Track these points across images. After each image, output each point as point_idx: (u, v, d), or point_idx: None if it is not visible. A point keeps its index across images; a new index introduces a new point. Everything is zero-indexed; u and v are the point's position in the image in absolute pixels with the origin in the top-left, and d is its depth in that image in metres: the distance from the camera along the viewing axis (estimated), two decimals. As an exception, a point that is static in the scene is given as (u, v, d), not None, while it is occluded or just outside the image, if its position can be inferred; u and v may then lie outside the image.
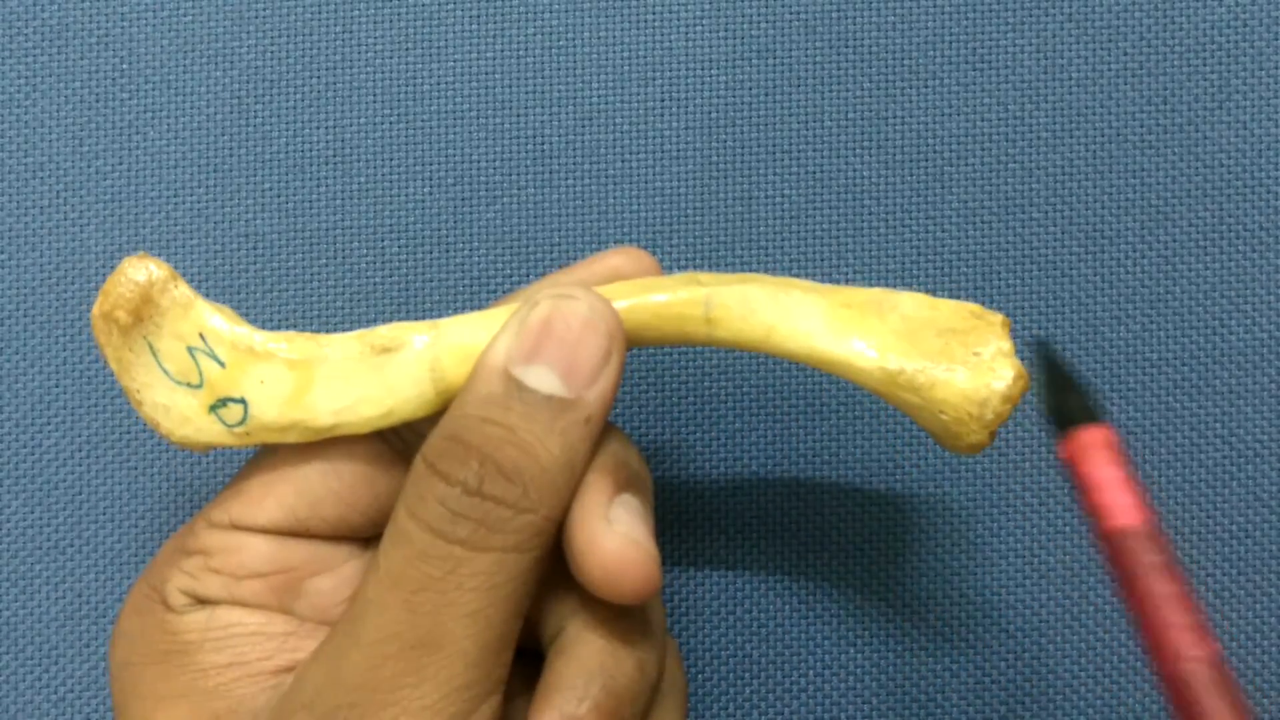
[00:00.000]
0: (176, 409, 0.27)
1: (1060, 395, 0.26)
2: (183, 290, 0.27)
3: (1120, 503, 0.25)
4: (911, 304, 0.27)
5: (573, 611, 0.27)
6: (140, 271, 0.27)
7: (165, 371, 0.27)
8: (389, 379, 0.27)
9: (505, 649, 0.25)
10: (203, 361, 0.27)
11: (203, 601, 0.27)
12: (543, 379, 0.25)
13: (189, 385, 0.27)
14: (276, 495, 0.28)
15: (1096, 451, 0.25)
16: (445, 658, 0.24)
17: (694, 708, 0.35)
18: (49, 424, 0.35)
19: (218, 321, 0.27)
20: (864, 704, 0.34)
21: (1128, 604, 0.25)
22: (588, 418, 0.26)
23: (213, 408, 0.27)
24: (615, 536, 0.25)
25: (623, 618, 0.26)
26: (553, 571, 0.27)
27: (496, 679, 0.25)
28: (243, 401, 0.27)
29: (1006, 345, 0.27)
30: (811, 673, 0.34)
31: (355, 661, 0.25)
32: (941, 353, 0.27)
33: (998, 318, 0.27)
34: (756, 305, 0.27)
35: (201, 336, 0.27)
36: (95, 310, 0.27)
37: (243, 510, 0.28)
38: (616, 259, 0.29)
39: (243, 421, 0.27)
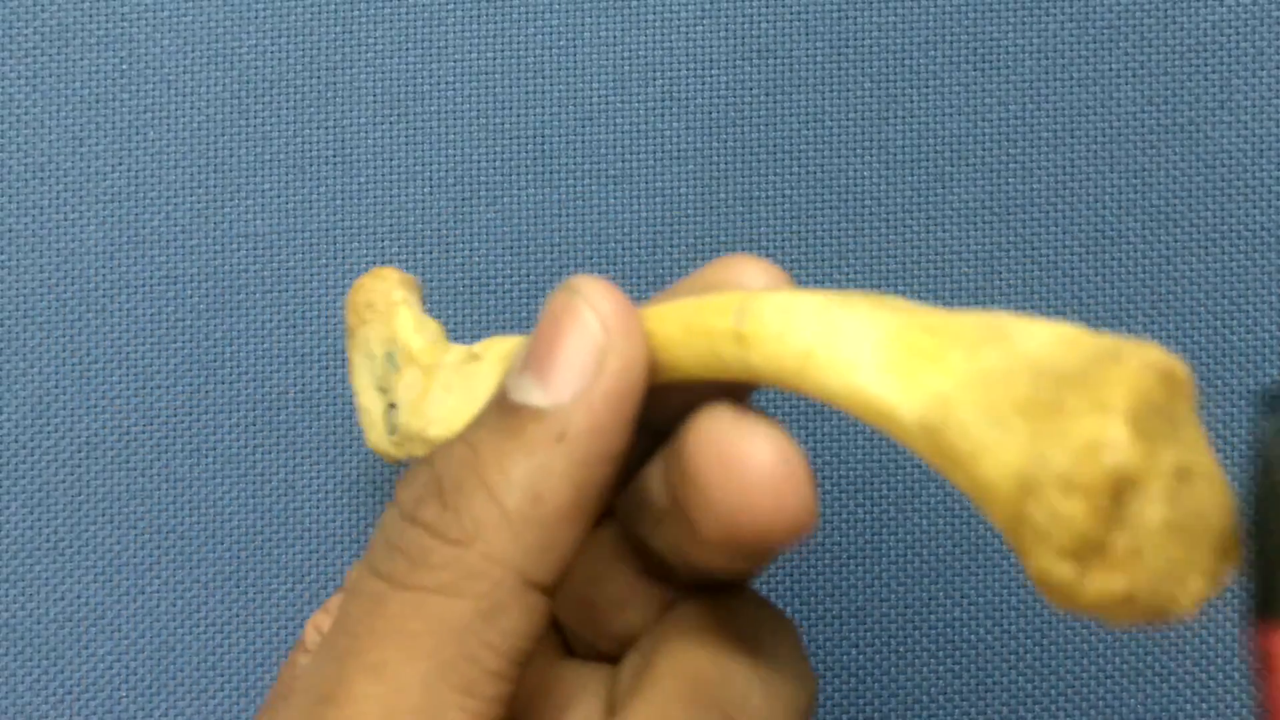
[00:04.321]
0: (369, 413, 0.27)
1: (1274, 551, 0.15)
2: (399, 294, 0.27)
3: None
4: (1038, 340, 0.18)
5: (672, 620, 0.22)
6: (378, 279, 0.27)
7: (373, 375, 0.27)
8: (475, 388, 0.25)
9: None
10: (389, 366, 0.27)
11: None
12: (523, 387, 0.21)
13: (381, 390, 0.27)
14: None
15: None
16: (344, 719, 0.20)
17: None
18: (49, 424, 0.35)
19: (405, 324, 0.27)
20: (864, 705, 0.34)
21: None
22: (560, 434, 0.20)
23: (385, 412, 0.27)
24: (766, 446, 0.19)
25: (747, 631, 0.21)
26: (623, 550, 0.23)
27: None
28: (394, 406, 0.26)
29: (1119, 401, 0.16)
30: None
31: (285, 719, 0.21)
32: (1024, 410, 0.17)
33: (1137, 360, 0.17)
34: (798, 318, 0.19)
35: (395, 341, 0.27)
36: (346, 312, 0.28)
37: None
38: (734, 271, 0.22)
39: (395, 429, 0.26)
